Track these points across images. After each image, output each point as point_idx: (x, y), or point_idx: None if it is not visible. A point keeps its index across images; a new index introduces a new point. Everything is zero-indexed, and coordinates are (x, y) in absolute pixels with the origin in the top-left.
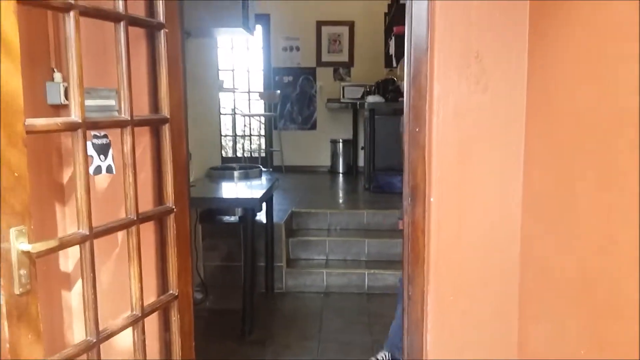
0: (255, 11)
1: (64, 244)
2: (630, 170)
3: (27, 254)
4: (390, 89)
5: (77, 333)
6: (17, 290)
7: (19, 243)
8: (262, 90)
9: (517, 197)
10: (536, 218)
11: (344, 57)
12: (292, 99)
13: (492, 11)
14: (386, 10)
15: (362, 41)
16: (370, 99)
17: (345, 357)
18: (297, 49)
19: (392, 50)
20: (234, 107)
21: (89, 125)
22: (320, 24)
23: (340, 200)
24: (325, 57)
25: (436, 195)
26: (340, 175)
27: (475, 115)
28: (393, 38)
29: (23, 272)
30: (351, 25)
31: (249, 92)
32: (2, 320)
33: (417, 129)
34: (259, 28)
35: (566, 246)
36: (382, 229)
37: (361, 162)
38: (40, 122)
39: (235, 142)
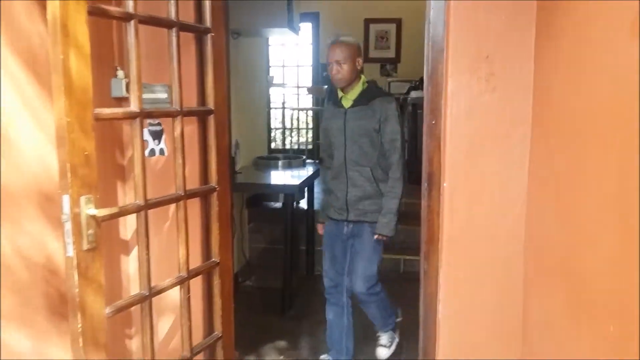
0: (301, 11)
1: (123, 212)
2: (628, 164)
3: (94, 217)
4: None
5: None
6: (84, 247)
7: (87, 208)
8: (310, 85)
9: (522, 185)
10: (540, 202)
11: (390, 54)
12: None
13: (502, 18)
14: None
15: (409, 38)
16: (413, 94)
17: (371, 332)
18: None
19: None
20: (284, 102)
21: (145, 114)
22: (368, 22)
23: None
24: (373, 54)
25: (449, 181)
26: None
27: (484, 112)
28: None
29: (90, 232)
30: (398, 22)
31: (297, 87)
32: (72, 270)
33: (433, 122)
34: (308, 25)
35: (564, 227)
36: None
37: (407, 155)
38: (106, 111)
39: (284, 135)
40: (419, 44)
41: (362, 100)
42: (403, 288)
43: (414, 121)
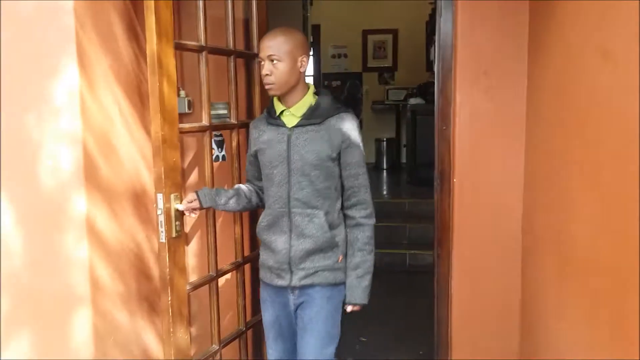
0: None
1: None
2: (603, 155)
3: (179, 212)
4: (430, 91)
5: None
6: (173, 235)
7: (175, 204)
8: None
9: (519, 178)
10: (533, 189)
11: (388, 63)
12: (340, 102)
13: (498, 39)
14: (427, 19)
15: (405, 47)
16: (412, 100)
17: (384, 316)
18: (345, 55)
19: (432, 56)
20: None
21: (213, 127)
22: (366, 33)
23: (385, 192)
24: (371, 63)
25: (457, 177)
26: (384, 171)
27: (484, 117)
28: (434, 45)
29: (177, 223)
30: (395, 33)
31: None
32: (165, 254)
33: (444, 127)
34: (309, 38)
35: (553, 206)
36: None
37: (404, 159)
38: (186, 126)
39: None
40: (414, 53)
41: (314, 117)
42: (409, 280)
43: (413, 127)
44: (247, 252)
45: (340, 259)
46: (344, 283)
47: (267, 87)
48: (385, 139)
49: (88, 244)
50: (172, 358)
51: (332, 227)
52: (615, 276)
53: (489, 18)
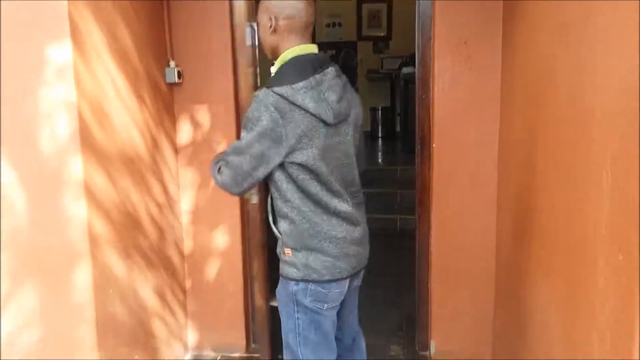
0: None
1: None
2: (564, 133)
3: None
4: None
5: None
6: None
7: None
8: None
9: (494, 143)
10: (508, 157)
11: (382, 32)
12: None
13: (476, 13)
14: None
15: (399, 16)
16: (405, 69)
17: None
18: (340, 24)
19: None
20: None
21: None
22: (360, 2)
23: (379, 160)
24: (366, 32)
25: (437, 142)
26: (380, 139)
27: (463, 86)
28: None
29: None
30: (389, 1)
31: None
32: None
33: (424, 95)
34: None
35: (522, 180)
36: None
37: (399, 127)
38: None
39: None
40: (408, 22)
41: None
42: (399, 241)
43: (405, 95)
44: None
45: (287, 252)
46: (294, 279)
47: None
48: (380, 108)
49: (86, 203)
50: None
51: (276, 216)
52: (568, 237)
53: None
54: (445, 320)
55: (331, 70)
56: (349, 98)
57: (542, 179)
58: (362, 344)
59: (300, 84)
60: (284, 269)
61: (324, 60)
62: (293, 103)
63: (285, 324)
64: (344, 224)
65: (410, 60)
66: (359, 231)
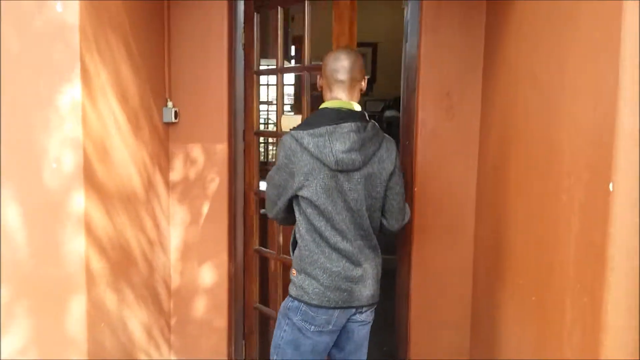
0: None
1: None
2: (533, 170)
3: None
4: None
5: None
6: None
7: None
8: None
9: (472, 187)
10: (484, 200)
11: (367, 75)
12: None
13: (459, 64)
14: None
15: (384, 60)
16: (388, 112)
17: None
18: None
19: None
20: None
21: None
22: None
23: None
24: None
25: (418, 186)
26: None
27: (445, 134)
28: None
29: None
30: (374, 46)
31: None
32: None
33: (407, 142)
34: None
35: (496, 222)
36: None
37: None
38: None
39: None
40: (392, 66)
41: None
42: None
43: None
44: None
45: (293, 272)
46: (291, 296)
47: None
48: None
49: (85, 238)
50: None
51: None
52: (538, 277)
53: (450, 46)
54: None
55: (349, 125)
56: (369, 153)
57: (515, 221)
58: None
59: (312, 130)
60: (290, 286)
61: (346, 115)
62: (301, 144)
63: (274, 335)
64: (343, 261)
65: (393, 104)
66: (358, 271)
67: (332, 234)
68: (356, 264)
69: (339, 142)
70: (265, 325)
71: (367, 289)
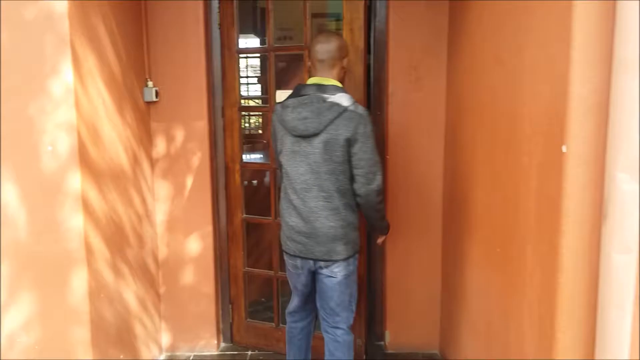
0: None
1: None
2: (497, 140)
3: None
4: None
5: None
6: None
7: None
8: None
9: (440, 152)
10: (452, 163)
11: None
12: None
13: (425, 41)
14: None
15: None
16: None
17: None
18: (291, 38)
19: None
20: None
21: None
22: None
23: None
24: None
25: (390, 154)
26: None
27: (414, 104)
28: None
29: None
30: (338, 16)
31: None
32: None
33: (379, 112)
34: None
35: (462, 183)
36: None
37: None
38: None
39: None
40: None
41: None
42: None
43: None
44: None
45: None
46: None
47: None
48: None
49: (83, 215)
50: None
51: None
52: (503, 229)
53: (416, 22)
54: (398, 312)
55: (310, 97)
56: (325, 121)
57: (482, 181)
58: (332, 343)
59: (284, 102)
60: None
61: (313, 89)
62: (277, 115)
63: None
64: (297, 217)
65: None
66: (307, 227)
67: (291, 192)
68: (306, 221)
69: (298, 111)
70: (268, 287)
71: (321, 246)
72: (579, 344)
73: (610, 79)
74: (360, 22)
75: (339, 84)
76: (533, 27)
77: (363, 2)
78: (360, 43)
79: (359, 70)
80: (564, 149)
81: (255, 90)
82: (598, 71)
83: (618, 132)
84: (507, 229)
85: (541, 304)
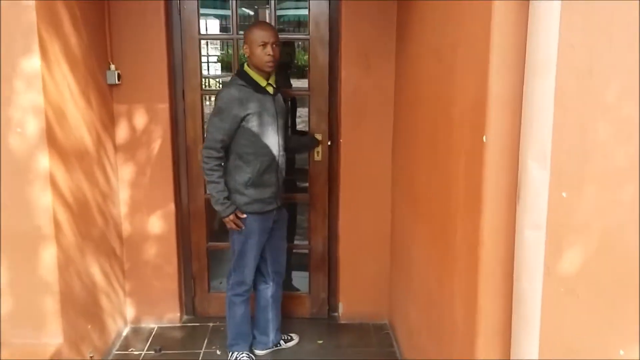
0: None
1: None
2: (437, 126)
3: None
4: None
5: None
6: None
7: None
8: None
9: (389, 136)
10: (398, 147)
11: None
12: None
13: (375, 31)
14: None
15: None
16: None
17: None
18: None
19: None
20: None
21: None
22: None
23: None
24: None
25: (344, 138)
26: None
27: (365, 89)
28: None
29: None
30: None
31: None
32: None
33: (332, 98)
34: None
35: (407, 165)
36: None
37: None
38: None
39: None
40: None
41: (279, 86)
42: None
43: None
44: None
45: None
46: None
47: (269, 64)
48: None
49: (51, 193)
50: None
51: None
52: (440, 209)
53: (367, 14)
54: (350, 285)
55: None
56: None
57: (422, 166)
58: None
59: None
60: None
61: None
62: None
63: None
64: None
65: None
66: None
67: None
68: None
69: None
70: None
71: None
72: (497, 307)
73: (524, 78)
74: (325, 16)
75: (246, 66)
76: (464, 28)
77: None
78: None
79: (323, 59)
80: (484, 139)
81: (216, 69)
82: (513, 71)
83: (530, 125)
84: (442, 209)
85: (468, 274)
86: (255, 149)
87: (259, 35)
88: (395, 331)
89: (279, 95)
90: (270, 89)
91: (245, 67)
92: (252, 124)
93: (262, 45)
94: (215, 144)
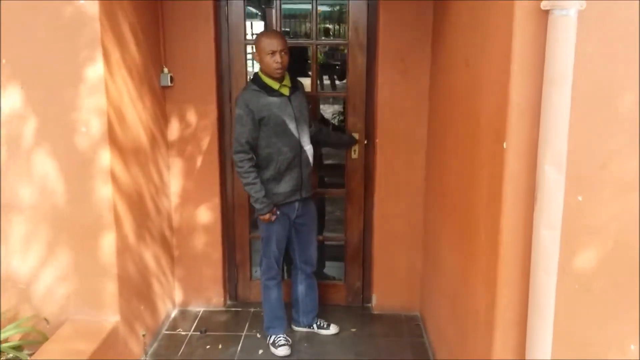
0: None
1: None
2: (463, 131)
3: None
4: None
5: None
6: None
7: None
8: None
9: (423, 141)
10: (432, 148)
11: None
12: None
13: (411, 34)
14: None
15: None
16: None
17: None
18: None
19: None
20: None
21: None
22: None
23: None
24: None
25: (379, 138)
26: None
27: (401, 92)
28: None
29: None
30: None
31: None
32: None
33: (369, 101)
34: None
35: (439, 167)
36: None
37: None
38: None
39: None
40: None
41: (296, 86)
42: None
43: None
44: None
45: None
46: None
47: (278, 71)
48: None
49: (111, 187)
50: None
51: None
52: (466, 210)
53: (404, 19)
54: (383, 278)
55: None
56: None
57: (451, 168)
58: None
59: None
60: None
61: None
62: None
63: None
64: None
65: None
66: None
67: None
68: None
69: None
70: None
71: None
72: (515, 300)
73: (542, 89)
74: (363, 21)
75: (259, 71)
76: (489, 36)
77: (366, 3)
78: (364, 40)
79: (361, 63)
80: (504, 145)
81: None
82: (532, 80)
83: (547, 133)
84: (467, 209)
85: (489, 270)
86: (274, 149)
87: (267, 43)
88: (426, 322)
89: (298, 92)
90: (285, 90)
91: (259, 72)
92: (269, 126)
93: (271, 53)
94: (242, 147)
